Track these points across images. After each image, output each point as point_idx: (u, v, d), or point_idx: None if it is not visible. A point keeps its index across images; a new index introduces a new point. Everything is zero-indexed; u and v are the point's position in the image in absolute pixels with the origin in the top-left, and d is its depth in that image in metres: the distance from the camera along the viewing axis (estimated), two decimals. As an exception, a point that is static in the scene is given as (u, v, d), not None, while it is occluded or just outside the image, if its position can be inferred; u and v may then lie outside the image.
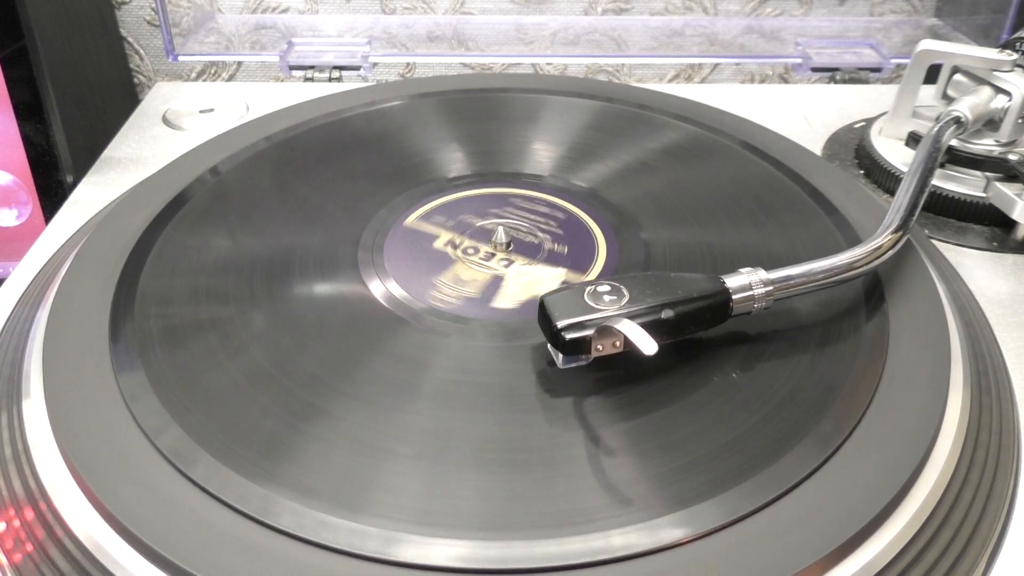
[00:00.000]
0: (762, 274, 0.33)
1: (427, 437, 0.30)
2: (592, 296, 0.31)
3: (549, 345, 0.31)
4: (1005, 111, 0.46)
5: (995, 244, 0.45)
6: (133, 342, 0.33)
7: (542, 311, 0.32)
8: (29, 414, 0.31)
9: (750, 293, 0.32)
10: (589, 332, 0.30)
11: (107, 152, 0.54)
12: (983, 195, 0.46)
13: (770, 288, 0.33)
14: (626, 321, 0.30)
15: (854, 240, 0.38)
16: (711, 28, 0.74)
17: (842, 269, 0.34)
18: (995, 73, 0.47)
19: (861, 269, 0.34)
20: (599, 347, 0.31)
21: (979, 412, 0.33)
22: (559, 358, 0.31)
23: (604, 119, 0.51)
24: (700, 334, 0.33)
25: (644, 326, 0.30)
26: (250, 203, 0.42)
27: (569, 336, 0.30)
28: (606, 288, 0.32)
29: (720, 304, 0.32)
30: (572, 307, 0.31)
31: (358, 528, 0.26)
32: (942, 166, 0.47)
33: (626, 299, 0.31)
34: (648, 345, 0.29)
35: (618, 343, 0.31)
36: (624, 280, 0.32)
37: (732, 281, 0.33)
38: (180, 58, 0.68)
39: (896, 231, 0.36)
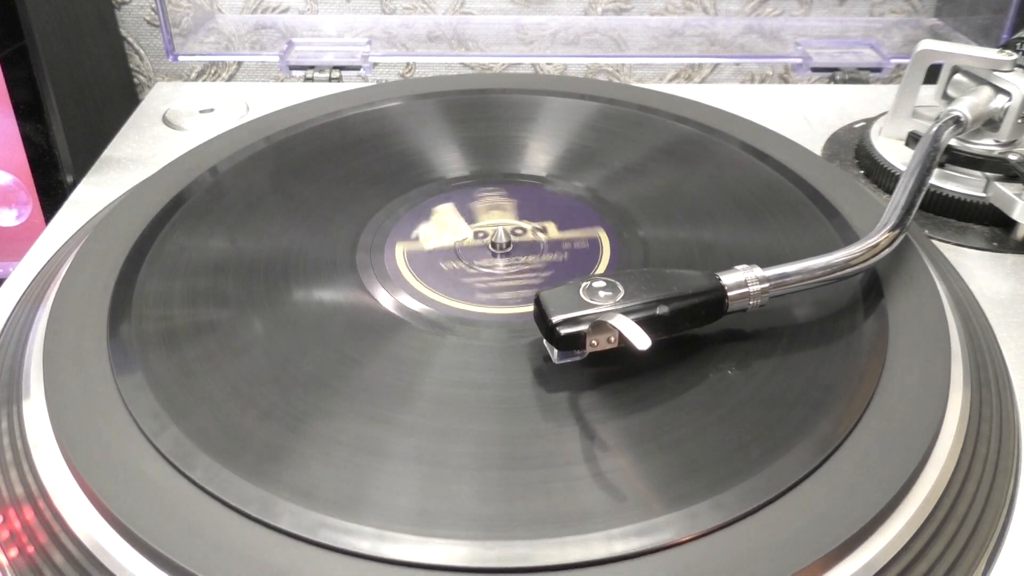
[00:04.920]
0: (757, 271, 0.33)
1: (425, 437, 0.30)
2: (588, 292, 0.31)
3: (545, 340, 0.32)
4: (1005, 111, 0.46)
5: (995, 244, 0.45)
6: (132, 343, 0.33)
7: (538, 306, 0.32)
8: (29, 414, 0.31)
9: (745, 290, 0.33)
10: (584, 327, 0.30)
11: (107, 152, 0.54)
12: (983, 195, 0.46)
13: (765, 285, 0.33)
14: (620, 316, 0.30)
15: (853, 240, 0.38)
16: (711, 28, 0.73)
17: (838, 267, 0.34)
18: (995, 73, 0.47)
19: (857, 267, 0.34)
20: (593, 342, 0.31)
21: (979, 412, 0.33)
22: (554, 353, 0.31)
23: (604, 119, 0.51)
24: (697, 331, 0.33)
25: (639, 322, 0.30)
26: (249, 204, 0.42)
27: (564, 331, 0.30)
28: (602, 284, 0.32)
29: (715, 301, 0.32)
30: (568, 302, 0.31)
31: (357, 528, 0.26)
32: (942, 166, 0.47)
33: (621, 295, 0.31)
34: (641, 340, 0.29)
35: (612, 338, 0.31)
36: (620, 276, 0.32)
37: (727, 278, 0.33)
38: (180, 58, 0.68)
39: (893, 229, 0.36)
